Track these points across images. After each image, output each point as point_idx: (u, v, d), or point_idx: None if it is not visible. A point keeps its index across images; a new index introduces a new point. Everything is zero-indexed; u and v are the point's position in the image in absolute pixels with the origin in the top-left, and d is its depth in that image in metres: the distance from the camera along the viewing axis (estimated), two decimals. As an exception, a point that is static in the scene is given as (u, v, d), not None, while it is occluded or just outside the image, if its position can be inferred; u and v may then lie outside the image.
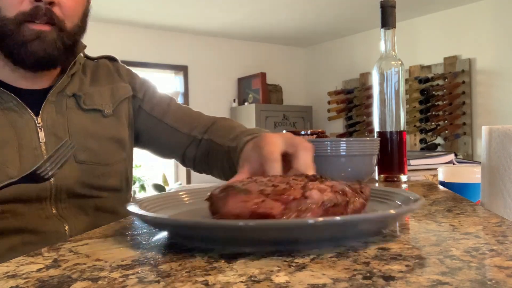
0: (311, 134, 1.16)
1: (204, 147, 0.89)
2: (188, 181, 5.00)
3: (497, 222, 0.48)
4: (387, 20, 0.91)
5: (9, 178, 0.73)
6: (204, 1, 4.07)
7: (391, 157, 0.90)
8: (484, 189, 0.72)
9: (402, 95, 0.91)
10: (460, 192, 0.77)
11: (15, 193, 0.73)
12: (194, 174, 4.88)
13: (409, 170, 0.98)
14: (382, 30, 0.91)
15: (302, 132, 1.15)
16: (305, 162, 0.56)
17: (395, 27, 0.91)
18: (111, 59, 0.98)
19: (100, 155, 0.84)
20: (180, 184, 4.87)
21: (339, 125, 5.36)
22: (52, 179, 0.76)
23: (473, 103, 4.20)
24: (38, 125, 0.79)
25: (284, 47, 5.75)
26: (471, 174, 0.91)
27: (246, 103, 5.23)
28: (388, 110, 0.91)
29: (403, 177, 0.90)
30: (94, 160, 0.84)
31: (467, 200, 0.64)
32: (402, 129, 0.90)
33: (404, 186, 0.84)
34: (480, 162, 0.78)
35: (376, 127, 0.93)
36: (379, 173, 0.91)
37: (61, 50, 0.78)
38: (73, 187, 0.79)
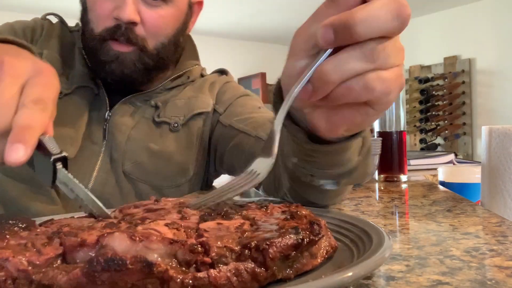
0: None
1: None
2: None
3: (497, 222, 0.48)
4: (387, 20, 0.91)
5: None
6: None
7: (391, 157, 0.90)
8: (484, 189, 0.72)
9: (402, 95, 0.91)
10: (460, 192, 0.77)
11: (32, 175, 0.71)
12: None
13: (409, 170, 0.98)
14: (382, 30, 0.91)
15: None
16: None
17: (395, 27, 0.91)
18: (220, 72, 0.94)
19: (149, 174, 0.78)
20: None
21: (339, 125, 5.35)
22: (90, 185, 0.75)
23: (473, 103, 4.20)
24: (106, 119, 0.78)
25: (284, 47, 5.65)
26: (471, 174, 0.91)
27: (246, 103, 5.23)
28: (388, 110, 0.91)
29: (403, 177, 0.90)
30: (140, 177, 0.78)
31: (467, 200, 0.64)
32: (402, 129, 0.90)
33: (404, 186, 0.84)
34: (480, 162, 0.78)
35: (376, 127, 0.93)
36: (379, 173, 0.91)
37: (141, 71, 0.76)
38: (108, 199, 0.73)
